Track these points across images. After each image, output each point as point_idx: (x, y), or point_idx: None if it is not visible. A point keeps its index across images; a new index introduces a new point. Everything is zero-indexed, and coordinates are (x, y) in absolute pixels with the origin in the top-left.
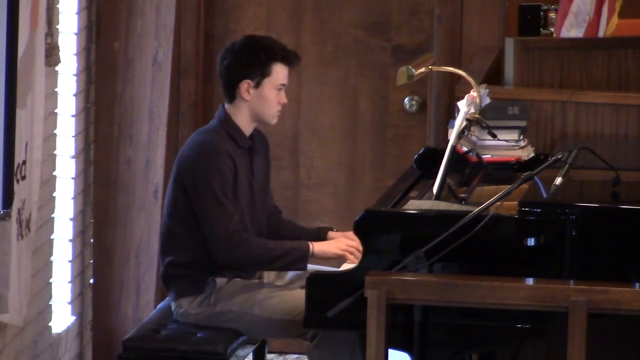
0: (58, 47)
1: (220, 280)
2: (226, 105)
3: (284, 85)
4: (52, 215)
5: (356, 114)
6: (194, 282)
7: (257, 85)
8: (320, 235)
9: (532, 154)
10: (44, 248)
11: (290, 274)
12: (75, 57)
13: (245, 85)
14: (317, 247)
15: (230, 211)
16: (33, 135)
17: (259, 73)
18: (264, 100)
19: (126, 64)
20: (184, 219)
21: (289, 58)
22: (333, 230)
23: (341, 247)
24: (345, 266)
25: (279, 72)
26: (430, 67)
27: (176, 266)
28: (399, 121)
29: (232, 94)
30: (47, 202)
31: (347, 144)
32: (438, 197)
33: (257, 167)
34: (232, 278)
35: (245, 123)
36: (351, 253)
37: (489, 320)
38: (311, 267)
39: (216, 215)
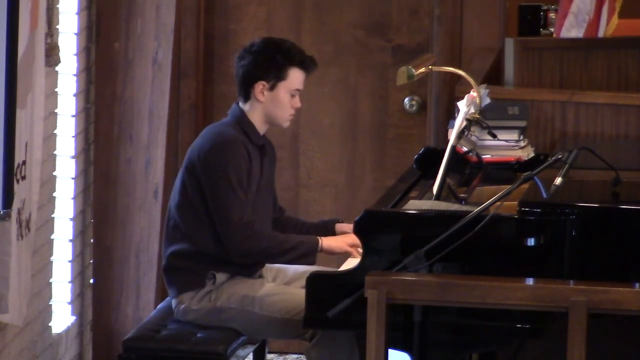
0: (58, 47)
1: (220, 277)
2: (240, 104)
3: (298, 90)
4: (52, 215)
5: (356, 114)
6: (194, 276)
7: (272, 88)
8: (328, 228)
9: (532, 154)
10: (44, 248)
11: (291, 273)
12: (75, 57)
13: (260, 86)
14: (325, 242)
15: (245, 201)
16: (33, 135)
17: (275, 76)
18: (278, 103)
19: (126, 64)
20: (191, 209)
21: (306, 63)
22: (340, 222)
23: (348, 243)
24: (346, 266)
25: (295, 77)
26: (430, 67)
27: (178, 257)
28: (399, 121)
29: (246, 94)
30: (47, 202)
31: (347, 144)
32: (438, 197)
33: (265, 167)
34: (234, 275)
35: (258, 123)
36: (357, 248)
37: (489, 320)
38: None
39: (231, 204)
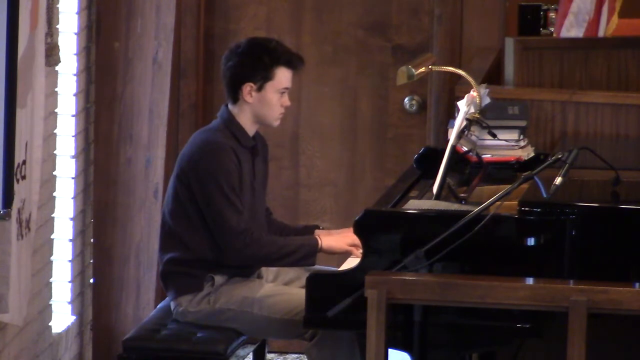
0: (58, 47)
1: (219, 279)
2: (229, 106)
3: (287, 88)
4: (52, 215)
5: (356, 114)
6: (192, 280)
7: (260, 89)
8: (307, 234)
9: (532, 154)
10: (44, 248)
11: (291, 273)
12: (75, 57)
13: (247, 88)
14: (325, 242)
15: (240, 208)
16: (33, 135)
17: (262, 77)
18: (266, 103)
19: (126, 64)
20: (185, 217)
21: (293, 62)
22: (320, 229)
23: (348, 242)
24: (346, 266)
25: (282, 76)
26: (430, 67)
27: (175, 263)
28: (399, 121)
29: (234, 96)
30: (47, 202)
31: (347, 144)
32: (438, 197)
33: (258, 168)
34: (232, 276)
35: (248, 124)
36: (358, 248)
37: (489, 320)
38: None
39: (227, 213)
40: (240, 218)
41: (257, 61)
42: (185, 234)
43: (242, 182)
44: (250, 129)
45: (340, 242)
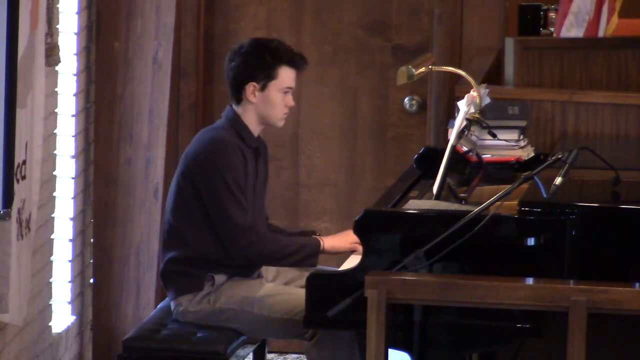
0: (58, 47)
1: (219, 278)
2: (234, 106)
3: (290, 88)
4: (52, 215)
5: (356, 114)
6: (192, 279)
7: (263, 88)
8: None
9: (532, 154)
10: (44, 248)
11: (291, 273)
12: (75, 57)
13: (250, 87)
14: (327, 242)
15: (245, 205)
16: (33, 135)
17: (265, 76)
18: (270, 102)
19: (126, 64)
20: (187, 214)
21: (295, 61)
22: (316, 234)
23: (351, 241)
24: (346, 266)
25: (285, 75)
26: (430, 67)
27: (177, 262)
28: (399, 121)
29: (238, 96)
30: (47, 202)
31: (347, 144)
32: (438, 197)
33: (260, 169)
34: (232, 276)
35: (252, 124)
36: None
37: (489, 320)
38: None
39: (232, 210)
40: (246, 215)
41: (260, 60)
42: (188, 231)
43: (247, 181)
44: (255, 129)
45: (343, 241)
